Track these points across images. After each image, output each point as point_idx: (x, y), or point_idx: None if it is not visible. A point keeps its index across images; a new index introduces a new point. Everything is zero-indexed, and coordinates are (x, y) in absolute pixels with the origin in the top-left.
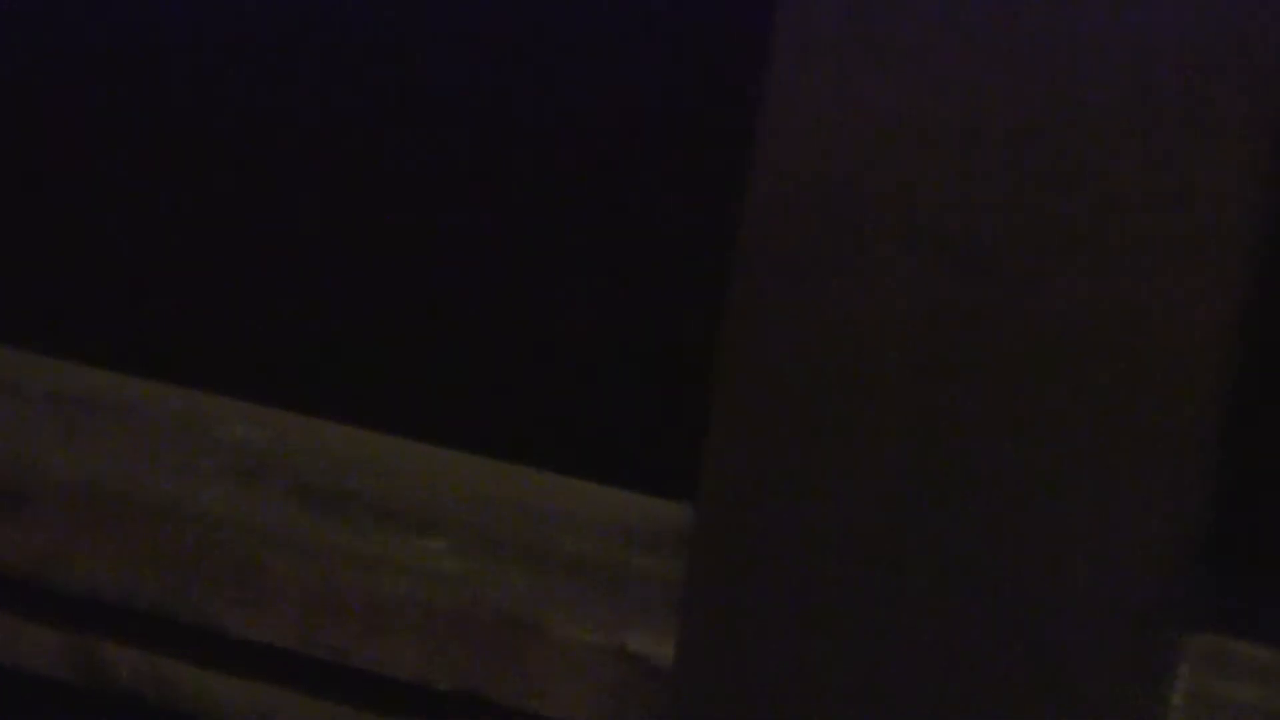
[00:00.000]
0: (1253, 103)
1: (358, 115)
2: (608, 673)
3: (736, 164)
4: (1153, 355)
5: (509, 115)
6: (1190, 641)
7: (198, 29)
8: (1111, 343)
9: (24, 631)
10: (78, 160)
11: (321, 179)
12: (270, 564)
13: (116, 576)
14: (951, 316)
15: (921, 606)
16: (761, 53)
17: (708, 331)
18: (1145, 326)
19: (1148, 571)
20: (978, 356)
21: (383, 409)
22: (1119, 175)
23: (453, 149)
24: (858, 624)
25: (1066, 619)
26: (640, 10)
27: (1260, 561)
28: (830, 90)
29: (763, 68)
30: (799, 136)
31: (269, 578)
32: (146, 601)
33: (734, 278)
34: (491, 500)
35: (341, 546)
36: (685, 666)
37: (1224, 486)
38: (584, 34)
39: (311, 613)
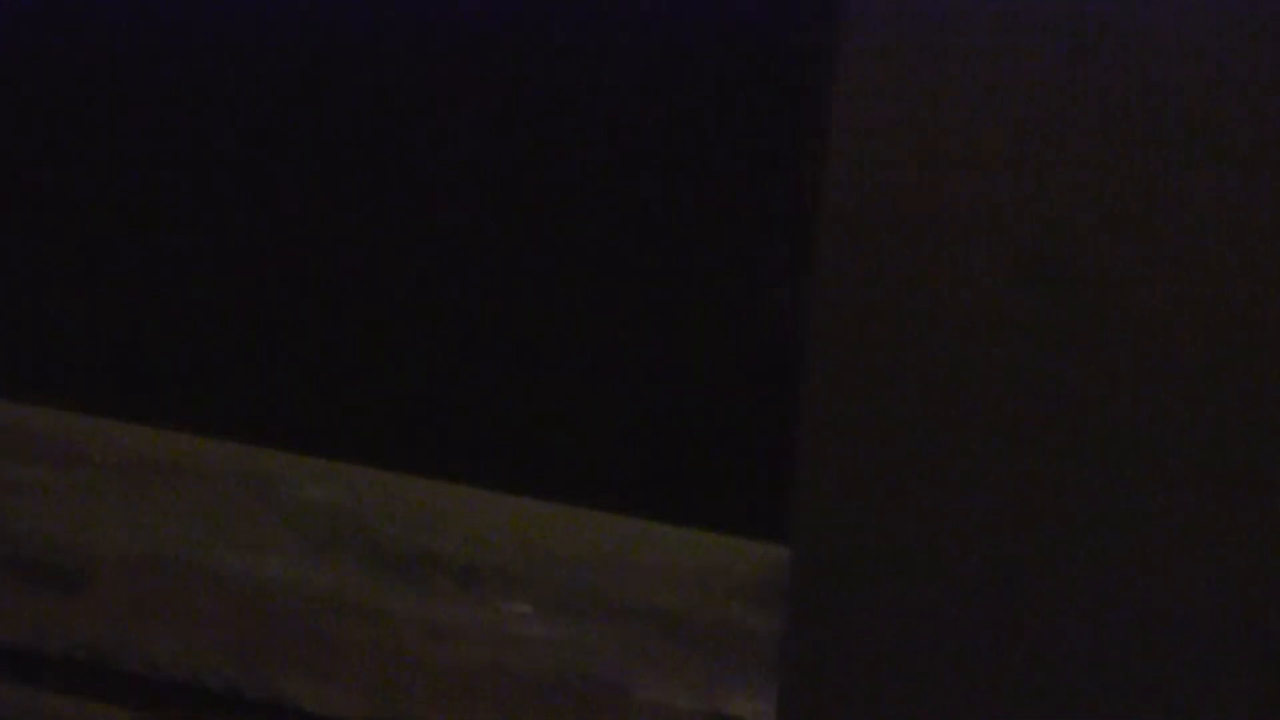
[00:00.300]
0: None
1: (410, 158)
2: None
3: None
4: (1244, 362)
5: (590, 169)
6: None
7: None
8: (1200, 350)
9: (91, 713)
10: (132, 222)
11: (383, 235)
12: (344, 634)
13: (183, 653)
14: (1046, 333)
15: (1041, 652)
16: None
17: (794, 361)
18: (1234, 333)
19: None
20: (1073, 374)
21: (457, 459)
22: (1197, 185)
23: (522, 207)
24: (972, 672)
25: (1186, 649)
26: (701, 19)
27: None
28: (897, 105)
29: (826, 79)
30: (868, 156)
31: (342, 649)
32: (215, 678)
33: (814, 303)
34: (575, 555)
35: (418, 613)
36: None
37: None
38: (642, 43)
39: (387, 684)
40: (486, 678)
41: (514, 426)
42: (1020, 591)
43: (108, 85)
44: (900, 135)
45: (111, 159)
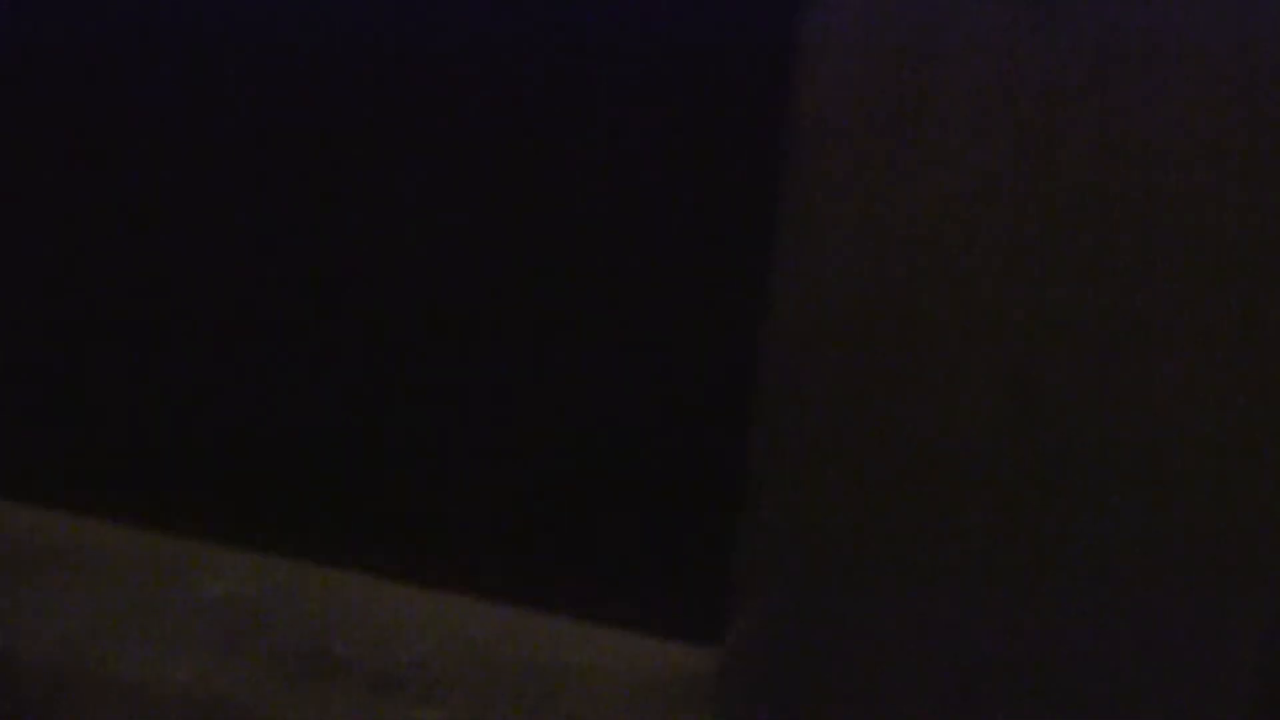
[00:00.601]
0: None
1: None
2: None
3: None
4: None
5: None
6: None
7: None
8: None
9: None
10: (28, 303)
11: (290, 321)
12: None
13: None
14: (1014, 437)
15: None
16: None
17: (735, 459)
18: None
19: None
20: (1042, 473)
21: (370, 550)
22: (1175, 266)
23: (448, 297)
24: None
25: None
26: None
27: None
28: (861, 187)
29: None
30: (821, 252)
31: None
32: None
33: (762, 399)
34: (494, 657)
35: None
36: None
37: None
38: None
39: None
40: None
41: (432, 517)
42: (973, 689)
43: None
44: (849, 241)
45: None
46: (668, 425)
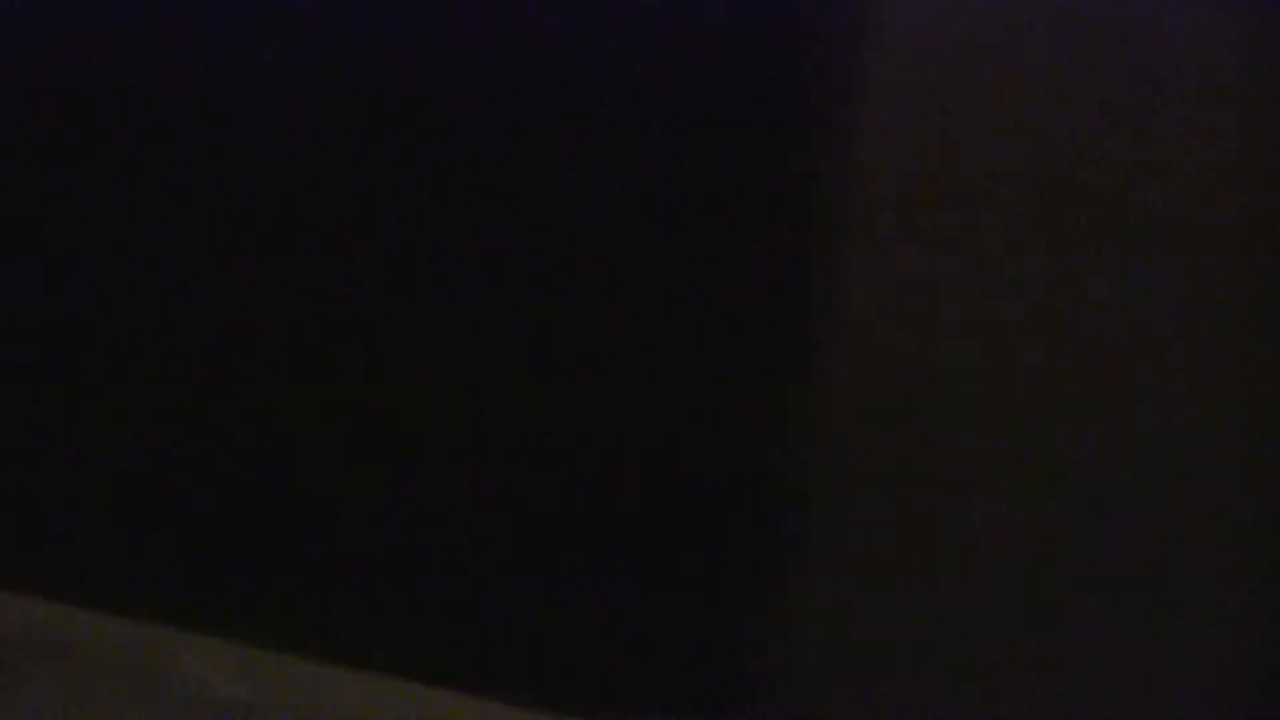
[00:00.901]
0: None
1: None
2: None
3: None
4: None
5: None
6: None
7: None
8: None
9: None
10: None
11: (289, 408)
12: None
13: None
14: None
15: None
16: None
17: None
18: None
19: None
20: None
21: (375, 646)
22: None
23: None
24: None
25: None
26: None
27: None
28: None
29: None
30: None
31: None
32: None
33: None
34: None
35: None
36: None
37: None
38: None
39: None
40: None
41: (432, 612)
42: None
43: None
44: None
45: None
46: (685, 514)
